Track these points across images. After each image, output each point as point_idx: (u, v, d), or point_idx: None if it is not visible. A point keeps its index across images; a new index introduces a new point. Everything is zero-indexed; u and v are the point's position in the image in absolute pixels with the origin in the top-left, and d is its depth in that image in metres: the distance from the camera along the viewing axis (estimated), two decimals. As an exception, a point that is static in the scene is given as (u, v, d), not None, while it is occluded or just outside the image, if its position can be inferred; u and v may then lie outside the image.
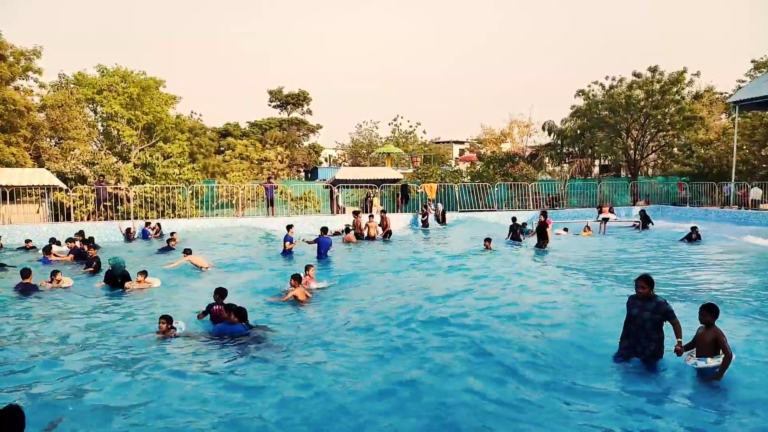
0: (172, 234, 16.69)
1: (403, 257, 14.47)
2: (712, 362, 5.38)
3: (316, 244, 14.69)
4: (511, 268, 12.31)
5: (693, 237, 17.04)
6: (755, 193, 23.88)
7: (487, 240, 15.29)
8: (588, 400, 5.28)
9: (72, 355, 6.67)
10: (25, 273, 10.13)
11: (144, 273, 10.95)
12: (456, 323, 7.76)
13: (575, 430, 4.71)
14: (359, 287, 10.80)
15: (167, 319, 7.48)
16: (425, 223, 22.38)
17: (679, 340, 5.67)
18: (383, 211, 21.17)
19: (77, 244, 14.89)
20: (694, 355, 5.57)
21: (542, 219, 15.99)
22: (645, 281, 5.95)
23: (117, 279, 10.86)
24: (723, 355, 5.35)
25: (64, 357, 6.60)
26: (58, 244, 15.64)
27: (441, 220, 23.01)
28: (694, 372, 5.59)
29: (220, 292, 8.22)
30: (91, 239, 15.06)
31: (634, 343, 6.01)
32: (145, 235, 18.52)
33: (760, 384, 5.52)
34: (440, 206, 23.75)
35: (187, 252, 12.89)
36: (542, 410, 5.09)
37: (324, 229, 15.50)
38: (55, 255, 14.02)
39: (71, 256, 14.14)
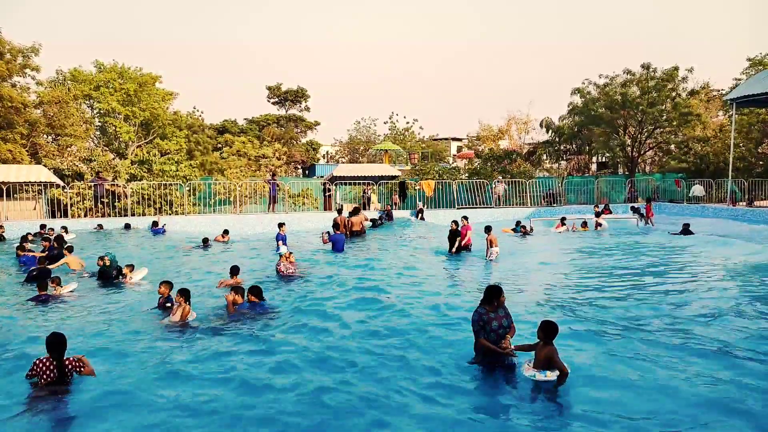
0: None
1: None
2: (551, 375, 5.25)
3: (331, 243, 14.20)
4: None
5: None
6: (696, 190, 25.68)
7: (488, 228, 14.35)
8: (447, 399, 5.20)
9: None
10: (42, 286, 9.62)
11: (131, 267, 11.21)
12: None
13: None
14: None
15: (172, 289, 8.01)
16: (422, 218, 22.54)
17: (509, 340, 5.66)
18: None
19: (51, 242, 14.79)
20: (532, 366, 5.43)
21: (454, 227, 14.64)
22: (501, 293, 5.80)
23: (111, 274, 10.95)
24: (553, 372, 5.30)
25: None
26: (29, 241, 15.25)
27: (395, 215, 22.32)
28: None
29: (167, 284, 8.50)
30: (60, 237, 15.13)
31: (496, 355, 5.71)
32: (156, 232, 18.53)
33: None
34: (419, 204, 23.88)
35: (69, 250, 12.75)
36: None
37: (336, 226, 15.22)
38: (30, 251, 13.96)
39: (43, 253, 14.04)
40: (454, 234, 14.52)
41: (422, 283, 10.39)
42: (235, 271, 9.98)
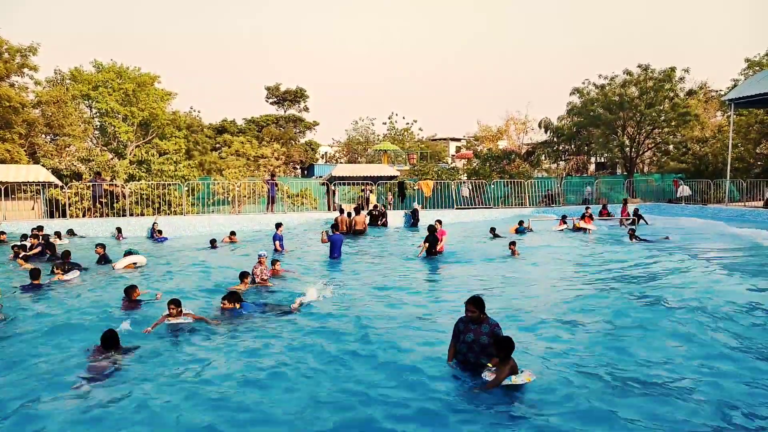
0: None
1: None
2: (516, 380, 5.19)
3: (329, 243, 13.62)
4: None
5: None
6: (684, 190, 27.22)
7: (512, 243, 14.25)
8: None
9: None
10: (35, 274, 9.96)
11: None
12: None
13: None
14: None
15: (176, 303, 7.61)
16: (415, 222, 21.83)
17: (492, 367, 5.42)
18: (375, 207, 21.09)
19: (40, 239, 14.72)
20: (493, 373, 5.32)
21: (439, 225, 14.60)
22: (473, 305, 5.59)
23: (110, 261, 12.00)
24: (524, 373, 5.26)
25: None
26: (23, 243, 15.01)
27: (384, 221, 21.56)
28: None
29: (128, 291, 8.59)
30: (47, 236, 15.08)
31: (474, 366, 5.54)
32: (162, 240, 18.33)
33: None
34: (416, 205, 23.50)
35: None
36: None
37: (335, 226, 15.07)
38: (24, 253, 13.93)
39: (38, 249, 13.97)
40: (433, 235, 13.82)
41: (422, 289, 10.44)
42: (243, 276, 9.91)
